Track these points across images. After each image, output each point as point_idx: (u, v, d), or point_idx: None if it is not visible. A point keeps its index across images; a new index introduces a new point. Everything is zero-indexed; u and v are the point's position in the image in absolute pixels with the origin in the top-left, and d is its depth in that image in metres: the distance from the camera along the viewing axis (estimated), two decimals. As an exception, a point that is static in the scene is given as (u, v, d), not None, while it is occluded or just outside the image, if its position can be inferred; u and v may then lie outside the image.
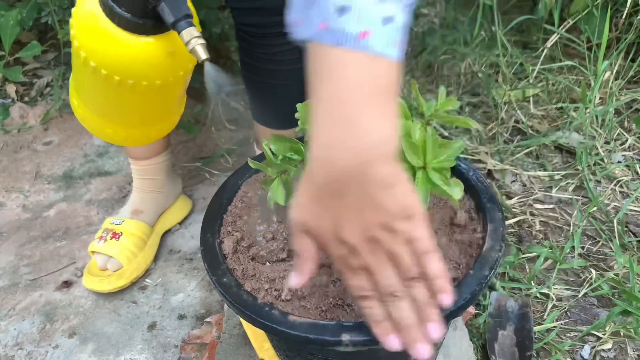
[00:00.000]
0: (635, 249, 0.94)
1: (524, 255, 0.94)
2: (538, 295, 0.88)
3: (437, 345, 0.70)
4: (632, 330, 0.81)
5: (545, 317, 0.85)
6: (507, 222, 1.01)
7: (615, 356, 0.79)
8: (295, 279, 0.49)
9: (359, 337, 0.51)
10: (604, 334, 0.81)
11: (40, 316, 0.92)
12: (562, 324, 0.84)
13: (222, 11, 1.40)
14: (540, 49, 1.29)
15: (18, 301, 0.95)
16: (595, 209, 1.01)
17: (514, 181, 1.12)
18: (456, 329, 0.79)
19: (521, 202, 1.06)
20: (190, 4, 0.67)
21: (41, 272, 1.00)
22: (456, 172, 0.68)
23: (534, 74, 1.29)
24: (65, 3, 1.33)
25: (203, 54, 0.61)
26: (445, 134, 1.23)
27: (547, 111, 1.26)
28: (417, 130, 0.52)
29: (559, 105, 1.25)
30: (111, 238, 0.94)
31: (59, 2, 1.32)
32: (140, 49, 0.65)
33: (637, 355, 0.79)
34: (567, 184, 1.09)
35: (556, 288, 0.89)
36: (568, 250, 0.95)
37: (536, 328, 0.82)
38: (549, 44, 1.25)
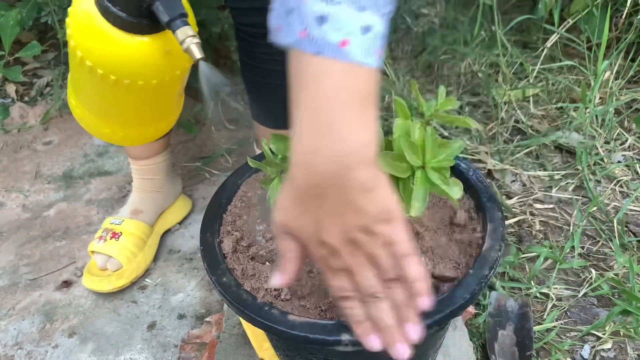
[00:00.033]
0: (635, 249, 0.94)
1: (523, 255, 0.94)
2: (538, 295, 0.88)
3: (435, 346, 0.69)
4: (632, 330, 0.81)
5: (545, 316, 0.85)
6: (507, 222, 1.01)
7: (615, 356, 0.79)
8: (278, 279, 0.50)
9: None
10: (603, 334, 0.81)
11: (40, 316, 0.92)
12: (562, 324, 0.84)
13: (221, 11, 1.40)
14: (540, 49, 1.29)
15: (18, 301, 0.95)
16: (595, 208, 1.01)
17: (513, 181, 1.11)
18: (456, 328, 0.79)
19: (521, 201, 1.06)
20: (186, 4, 0.67)
21: (41, 272, 1.00)
22: (456, 171, 0.68)
23: (534, 74, 1.29)
24: (65, 3, 1.33)
25: (198, 53, 0.61)
26: (445, 133, 1.23)
27: (547, 111, 1.26)
28: (416, 130, 0.52)
29: (559, 105, 1.25)
30: (111, 238, 0.94)
31: (58, 1, 1.32)
32: (136, 49, 0.65)
33: (637, 355, 0.79)
34: (567, 183, 1.09)
35: (556, 288, 0.89)
36: (568, 250, 0.95)
37: (536, 328, 0.82)
38: (549, 43, 1.25)
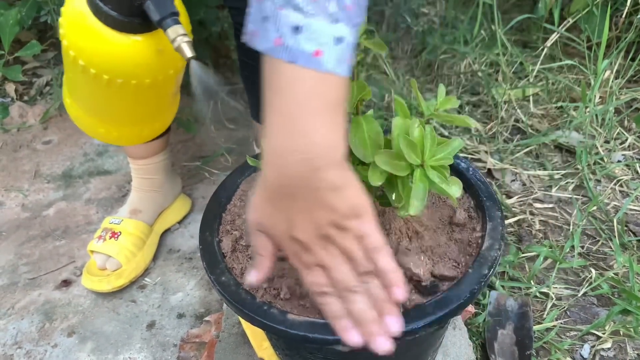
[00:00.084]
0: (635, 248, 0.94)
1: (523, 255, 0.94)
2: (538, 294, 0.88)
3: (435, 346, 0.69)
4: (631, 329, 0.81)
5: (544, 316, 0.85)
6: (506, 221, 1.01)
7: (614, 355, 0.79)
8: (254, 276, 0.51)
9: (357, 336, 0.51)
10: (603, 333, 0.81)
11: (39, 315, 0.91)
12: (561, 323, 0.84)
13: (221, 10, 1.39)
14: (540, 48, 1.28)
15: (17, 300, 0.94)
16: (595, 208, 1.01)
17: (513, 180, 1.11)
18: (455, 328, 0.79)
19: (521, 201, 1.06)
20: (179, 3, 0.67)
21: (40, 271, 1.00)
22: (455, 171, 0.68)
23: (534, 73, 1.29)
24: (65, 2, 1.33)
25: (189, 52, 0.61)
26: (445, 133, 1.23)
27: (547, 110, 1.26)
28: (415, 128, 0.52)
29: (559, 104, 1.25)
30: (110, 237, 0.94)
31: (58, 1, 1.32)
32: (128, 48, 0.65)
33: (637, 354, 0.79)
34: (566, 183, 1.09)
35: (556, 287, 0.89)
36: (568, 250, 0.94)
37: (536, 327, 0.82)
38: (548, 43, 1.25)
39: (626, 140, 1.17)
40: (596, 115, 1.19)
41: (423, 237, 0.61)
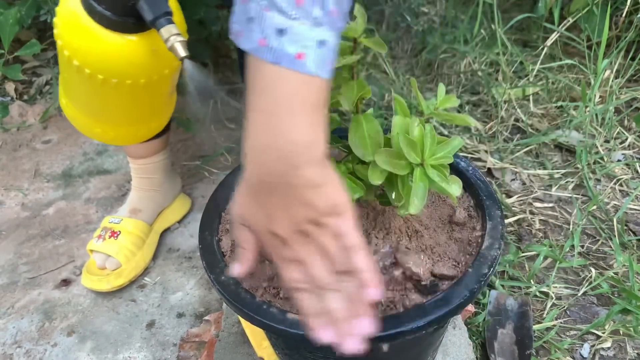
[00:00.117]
0: (635, 248, 0.94)
1: (523, 254, 0.94)
2: (537, 293, 0.88)
3: (434, 345, 0.69)
4: (631, 328, 0.81)
5: (544, 315, 0.85)
6: (506, 221, 1.01)
7: (614, 355, 0.79)
8: (236, 269, 0.53)
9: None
10: (603, 333, 0.81)
11: (39, 314, 0.91)
12: (561, 323, 0.84)
13: (221, 10, 1.39)
14: (540, 48, 1.28)
15: (17, 299, 0.94)
16: (595, 207, 1.01)
17: (513, 180, 1.11)
18: (455, 327, 0.79)
19: (521, 200, 1.06)
20: (174, 3, 0.67)
21: (40, 271, 1.00)
22: (455, 170, 0.68)
23: (534, 73, 1.29)
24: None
25: (182, 52, 0.61)
26: (445, 132, 1.23)
27: (547, 110, 1.26)
28: (415, 127, 0.52)
29: (559, 103, 1.25)
30: (110, 237, 0.94)
31: (57, 0, 1.32)
32: (123, 48, 0.65)
33: (637, 353, 0.79)
34: (566, 182, 1.09)
35: (556, 286, 0.89)
36: (568, 249, 0.94)
37: (535, 326, 0.82)
38: (549, 42, 1.25)
39: (626, 139, 1.17)
40: (596, 115, 1.19)
41: (423, 236, 0.61)
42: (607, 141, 1.16)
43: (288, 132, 0.43)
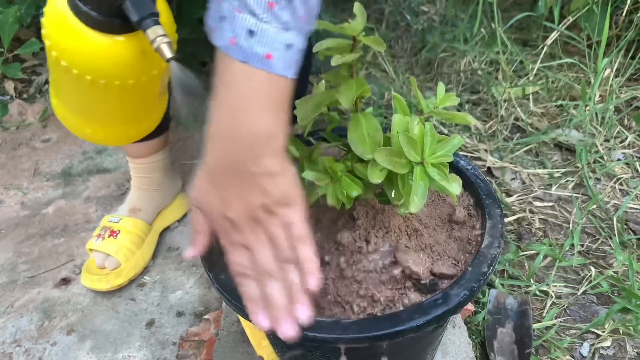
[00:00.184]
0: (634, 247, 0.94)
1: (523, 253, 0.94)
2: (537, 292, 0.88)
3: (434, 344, 0.69)
4: (631, 327, 0.81)
5: (544, 314, 0.84)
6: (506, 220, 1.01)
7: (614, 354, 0.79)
8: (190, 252, 0.55)
9: (357, 335, 0.50)
10: (603, 332, 0.81)
11: (38, 313, 0.91)
12: (561, 322, 0.84)
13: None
14: (540, 47, 1.28)
15: (16, 298, 0.94)
16: (594, 206, 1.01)
17: (513, 179, 1.11)
18: (455, 326, 0.79)
19: (521, 199, 1.06)
20: (162, 3, 0.66)
21: (39, 269, 1.00)
22: (455, 169, 0.68)
23: (534, 72, 1.29)
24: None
25: (168, 53, 0.60)
26: (445, 131, 1.23)
27: (547, 109, 1.26)
28: (415, 126, 0.52)
29: (559, 102, 1.24)
30: (109, 236, 0.94)
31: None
32: (110, 48, 0.64)
33: (637, 352, 0.79)
34: (566, 181, 1.09)
35: (555, 285, 0.89)
36: (567, 248, 0.94)
37: (535, 325, 0.82)
38: (548, 41, 1.25)
39: (626, 138, 1.17)
40: (596, 114, 1.19)
41: (422, 234, 0.61)
42: (607, 140, 1.16)
43: (253, 124, 0.46)
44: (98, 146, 1.30)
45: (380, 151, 0.52)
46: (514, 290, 0.89)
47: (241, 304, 0.54)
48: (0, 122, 1.39)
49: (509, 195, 1.07)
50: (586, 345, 0.80)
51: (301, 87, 0.94)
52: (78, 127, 0.80)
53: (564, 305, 0.86)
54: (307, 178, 0.57)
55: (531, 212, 1.03)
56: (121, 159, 1.26)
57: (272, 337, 0.67)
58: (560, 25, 1.24)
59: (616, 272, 0.90)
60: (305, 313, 0.49)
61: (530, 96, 1.27)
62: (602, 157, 1.12)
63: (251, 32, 0.44)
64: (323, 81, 0.59)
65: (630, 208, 1.02)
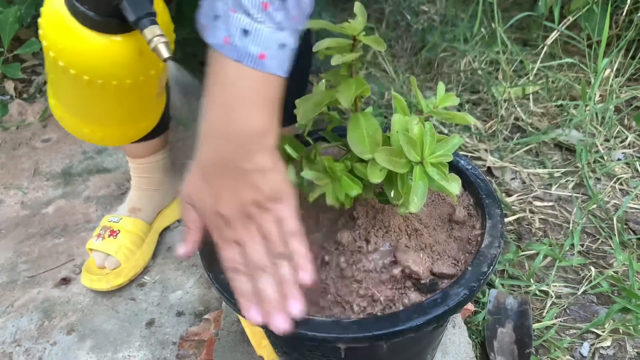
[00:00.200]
0: (634, 247, 0.94)
1: (523, 253, 0.94)
2: (537, 292, 0.88)
3: (434, 344, 0.69)
4: (631, 327, 0.81)
5: (544, 314, 0.84)
6: (506, 220, 1.01)
7: (614, 353, 0.79)
8: (182, 249, 0.56)
9: (357, 334, 0.50)
10: (603, 332, 0.81)
11: (38, 313, 0.91)
12: (561, 322, 0.84)
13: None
14: (540, 46, 1.28)
15: (16, 298, 0.94)
16: (594, 206, 1.01)
17: (513, 178, 1.11)
18: (455, 326, 0.79)
19: (521, 199, 1.06)
20: (160, 3, 0.66)
21: (39, 269, 1.00)
22: (455, 168, 0.68)
23: (534, 72, 1.29)
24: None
25: (165, 53, 0.60)
26: (445, 131, 1.23)
27: (547, 109, 1.26)
28: (415, 126, 0.52)
29: (559, 102, 1.24)
30: (109, 236, 0.94)
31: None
32: (107, 48, 0.64)
33: (637, 352, 0.79)
34: (566, 181, 1.09)
35: (555, 285, 0.89)
36: (567, 248, 0.94)
37: (535, 325, 0.82)
38: (549, 41, 1.25)
39: (626, 138, 1.17)
40: (596, 114, 1.19)
41: (422, 234, 0.61)
42: (607, 140, 1.16)
43: (247, 122, 0.47)
44: (98, 146, 1.30)
45: (380, 151, 0.52)
46: (514, 290, 0.89)
47: (241, 303, 0.54)
48: (0, 122, 1.39)
49: (509, 195, 1.07)
50: (586, 345, 0.80)
51: (301, 86, 0.94)
52: (76, 127, 0.80)
53: (564, 305, 0.86)
54: (306, 177, 0.56)
55: (531, 212, 1.03)
56: (121, 158, 1.26)
57: (272, 337, 0.67)
58: (560, 25, 1.23)
59: (616, 272, 0.89)
60: (297, 307, 0.49)
61: (530, 96, 1.27)
62: (602, 157, 1.12)
63: (245, 32, 0.44)
64: (323, 81, 0.59)
65: (630, 208, 1.02)
